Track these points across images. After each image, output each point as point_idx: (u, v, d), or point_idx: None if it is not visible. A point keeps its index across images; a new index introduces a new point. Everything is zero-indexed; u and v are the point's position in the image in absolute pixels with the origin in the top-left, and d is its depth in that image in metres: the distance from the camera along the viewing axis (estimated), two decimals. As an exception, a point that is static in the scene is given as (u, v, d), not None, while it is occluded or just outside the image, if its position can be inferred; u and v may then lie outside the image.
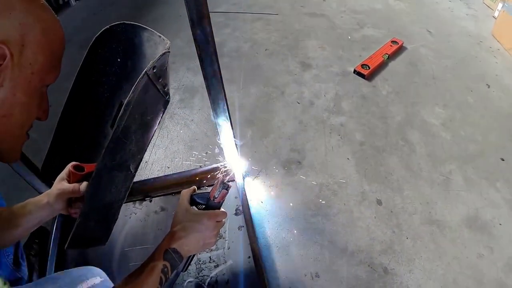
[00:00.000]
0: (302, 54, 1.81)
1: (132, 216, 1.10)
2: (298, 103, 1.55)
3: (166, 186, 1.16)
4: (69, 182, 0.71)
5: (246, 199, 1.10)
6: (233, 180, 1.10)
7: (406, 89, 1.66)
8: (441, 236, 1.15)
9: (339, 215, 1.18)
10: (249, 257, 0.97)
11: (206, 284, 0.93)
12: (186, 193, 0.72)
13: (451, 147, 1.42)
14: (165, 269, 0.63)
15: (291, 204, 1.21)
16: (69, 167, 0.72)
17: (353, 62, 1.75)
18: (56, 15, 0.51)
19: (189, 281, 0.93)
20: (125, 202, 1.13)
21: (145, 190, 1.16)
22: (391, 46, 1.86)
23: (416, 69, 1.80)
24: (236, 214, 1.07)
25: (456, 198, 1.25)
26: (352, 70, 1.70)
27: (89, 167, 0.72)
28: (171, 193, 1.15)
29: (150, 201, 1.16)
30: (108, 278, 0.74)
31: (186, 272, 0.93)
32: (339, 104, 1.54)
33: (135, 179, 1.13)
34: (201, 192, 0.73)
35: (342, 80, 1.67)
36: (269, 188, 1.25)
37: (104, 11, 2.40)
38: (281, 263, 1.06)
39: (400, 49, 1.90)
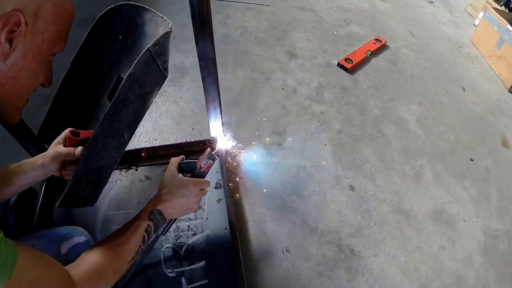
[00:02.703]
0: (289, 44, 1.86)
1: (118, 183, 1.13)
2: (283, 89, 1.61)
3: (152, 156, 1.20)
4: (64, 146, 0.75)
5: (227, 174, 1.14)
6: (217, 155, 1.15)
7: (386, 85, 1.74)
8: (407, 226, 1.23)
9: (313, 196, 1.24)
10: (226, 228, 1.02)
11: (183, 250, 0.97)
12: (175, 160, 0.76)
13: (423, 143, 1.51)
14: (149, 229, 0.67)
15: (269, 183, 1.26)
16: (66, 132, 0.75)
17: (337, 56, 1.82)
18: None
19: (166, 247, 0.97)
20: (119, 170, 1.17)
21: (132, 159, 1.19)
22: (374, 43, 1.94)
23: (397, 67, 1.89)
24: (216, 187, 1.11)
25: (424, 192, 1.34)
26: (336, 63, 1.76)
27: (84, 134, 0.76)
28: (157, 164, 1.18)
29: (136, 169, 1.18)
30: (90, 238, 0.78)
31: (164, 237, 0.97)
32: (321, 94, 1.61)
33: (137, 146, 1.14)
34: (188, 161, 0.77)
35: (326, 71, 1.73)
36: (249, 166, 1.30)
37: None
38: (255, 236, 1.11)
39: (383, 47, 1.98)
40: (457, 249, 1.19)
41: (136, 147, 1.24)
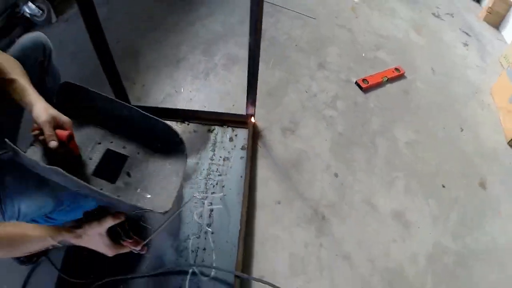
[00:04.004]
0: (322, 56, 2.26)
1: None
2: (306, 92, 2.04)
3: (200, 118, 1.69)
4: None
5: (250, 142, 1.62)
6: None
7: (391, 109, 2.04)
8: (371, 215, 1.52)
9: (306, 173, 1.68)
10: (241, 176, 1.49)
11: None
12: (110, 221, 0.79)
13: (406, 161, 1.75)
14: (52, 246, 0.76)
15: (278, 155, 1.72)
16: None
17: (357, 75, 2.18)
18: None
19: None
20: (172, 120, 1.64)
21: (186, 116, 1.68)
22: (393, 72, 2.25)
23: (407, 96, 2.15)
24: (241, 148, 1.59)
25: (393, 196, 1.60)
26: (354, 81, 2.15)
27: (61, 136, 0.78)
28: (202, 123, 1.68)
29: (188, 124, 1.67)
30: None
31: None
32: (335, 102, 2.01)
33: (184, 106, 1.59)
34: (124, 229, 0.84)
35: (344, 86, 2.12)
36: (267, 141, 1.77)
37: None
38: (260, 188, 1.58)
39: (400, 77, 2.26)
40: (406, 246, 1.44)
41: (190, 109, 1.73)
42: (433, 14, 3.01)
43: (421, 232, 1.52)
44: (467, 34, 2.83)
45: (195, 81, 2.01)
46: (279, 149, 1.75)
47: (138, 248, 0.88)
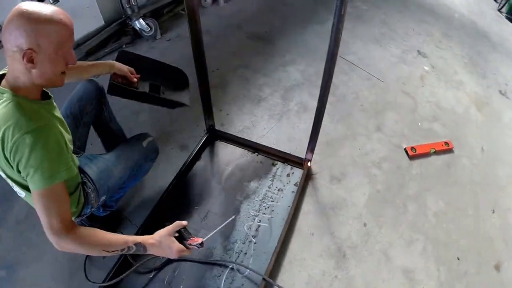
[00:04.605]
0: (381, 119, 2.58)
1: (242, 159, 2.02)
2: (359, 149, 2.40)
3: (268, 152, 2.02)
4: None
5: (303, 181, 2.08)
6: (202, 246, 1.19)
7: (430, 178, 2.26)
8: (385, 264, 1.71)
9: (341, 216, 2.06)
10: (289, 206, 1.97)
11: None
12: (177, 225, 1.05)
13: (429, 227, 1.86)
14: (131, 250, 0.95)
15: (322, 197, 2.16)
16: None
17: (408, 142, 2.46)
18: (61, 21, 0.85)
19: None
20: (244, 149, 2.10)
21: (257, 148, 2.04)
22: (442, 145, 2.47)
23: (449, 170, 2.23)
24: (295, 184, 2.07)
25: (409, 254, 1.77)
26: (404, 147, 2.47)
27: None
28: (268, 157, 2.11)
29: (257, 155, 2.17)
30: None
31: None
32: (381, 163, 2.34)
33: (256, 140, 2.12)
34: (186, 231, 1.10)
35: (393, 150, 2.41)
36: (316, 183, 2.21)
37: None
38: (300, 221, 2.04)
39: (448, 150, 2.34)
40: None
41: (261, 143, 2.19)
42: (500, 91, 3.12)
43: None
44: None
45: (270, 120, 2.38)
46: (324, 192, 2.00)
47: (198, 242, 1.06)
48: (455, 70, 3.17)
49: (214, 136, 2.12)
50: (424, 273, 1.73)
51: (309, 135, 1.75)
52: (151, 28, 2.82)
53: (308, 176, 2.07)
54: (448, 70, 3.22)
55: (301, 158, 1.99)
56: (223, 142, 2.11)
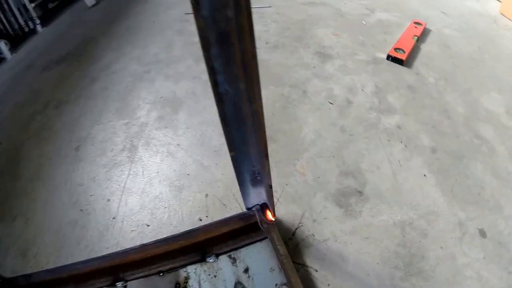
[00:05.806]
0: (315, 43, 1.43)
1: None
2: (331, 103, 1.13)
3: (147, 260, 0.67)
4: None
5: (286, 267, 0.62)
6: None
7: (452, 74, 1.31)
8: None
9: (439, 267, 0.74)
10: None
11: None
12: None
13: None
14: None
15: (365, 268, 0.75)
16: None
17: (380, 48, 1.39)
18: None
19: None
20: None
21: (115, 269, 0.66)
22: (416, 27, 1.53)
23: (451, 50, 1.49)
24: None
25: None
26: (385, 56, 1.32)
27: None
28: (157, 273, 0.65)
29: (125, 286, 0.66)
30: None
31: None
32: (385, 99, 1.15)
33: (99, 253, 0.62)
34: None
35: (376, 68, 1.29)
36: (322, 244, 0.79)
37: (70, 33, 1.93)
38: None
39: (425, 31, 1.57)
40: None
41: (119, 247, 0.72)
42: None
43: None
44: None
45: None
46: (356, 250, 0.81)
47: None
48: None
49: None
50: None
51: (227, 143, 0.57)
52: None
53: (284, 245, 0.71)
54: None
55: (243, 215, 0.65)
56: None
